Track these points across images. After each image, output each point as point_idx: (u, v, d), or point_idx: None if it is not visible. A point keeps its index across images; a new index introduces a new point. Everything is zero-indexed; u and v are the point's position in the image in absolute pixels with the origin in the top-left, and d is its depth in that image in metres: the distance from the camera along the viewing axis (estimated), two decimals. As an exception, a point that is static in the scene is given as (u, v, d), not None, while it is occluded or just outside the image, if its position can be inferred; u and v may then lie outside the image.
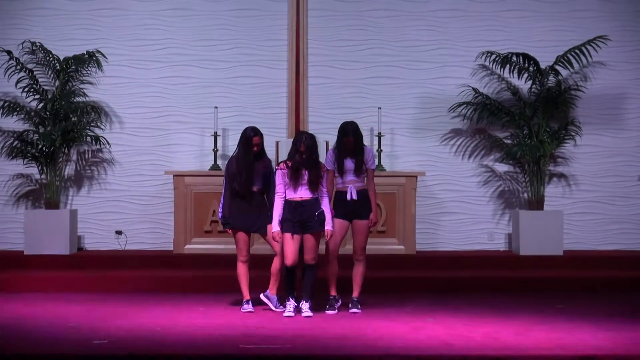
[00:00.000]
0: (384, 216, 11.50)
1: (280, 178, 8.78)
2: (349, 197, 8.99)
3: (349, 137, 9.04)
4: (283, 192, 8.76)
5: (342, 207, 9.01)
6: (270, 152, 11.60)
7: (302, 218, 8.70)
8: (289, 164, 8.77)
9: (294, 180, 8.70)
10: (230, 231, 9.10)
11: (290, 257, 8.69)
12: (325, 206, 8.79)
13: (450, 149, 12.47)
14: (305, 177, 8.70)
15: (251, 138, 9.05)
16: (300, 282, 8.92)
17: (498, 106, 12.14)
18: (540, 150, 11.77)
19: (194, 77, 12.41)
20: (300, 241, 8.75)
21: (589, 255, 11.84)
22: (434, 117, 12.44)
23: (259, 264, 9.67)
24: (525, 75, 12.08)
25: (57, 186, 11.82)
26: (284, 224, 8.73)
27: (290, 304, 8.77)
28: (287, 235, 8.71)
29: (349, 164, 9.02)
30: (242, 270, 9.04)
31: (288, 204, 8.74)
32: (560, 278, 10.77)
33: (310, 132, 11.51)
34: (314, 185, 8.70)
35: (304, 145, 8.72)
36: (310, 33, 12.37)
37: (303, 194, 8.72)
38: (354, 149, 9.04)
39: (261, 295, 9.09)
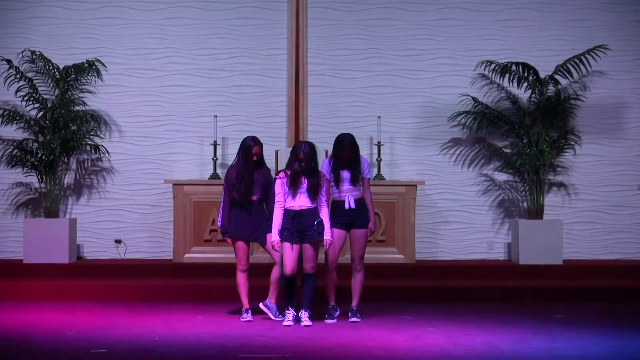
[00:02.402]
0: (383, 225, 11.49)
1: (279, 187, 8.77)
2: (347, 206, 8.98)
3: (345, 150, 9.05)
4: (282, 202, 8.75)
5: (339, 217, 8.99)
6: (269, 161, 11.63)
7: (301, 227, 8.69)
8: (288, 173, 8.77)
9: (293, 188, 8.70)
10: (229, 240, 9.10)
11: (289, 266, 8.68)
12: (324, 215, 8.78)
13: (450, 158, 12.47)
14: (305, 185, 8.70)
15: (251, 147, 9.06)
16: (300, 291, 8.91)
17: (497, 115, 12.14)
18: (540, 160, 11.78)
19: (193, 86, 12.41)
20: (300, 250, 8.74)
21: (589, 265, 11.82)
22: (434, 126, 12.44)
23: (259, 273, 9.65)
24: (525, 84, 12.09)
25: (56, 195, 11.82)
26: (283, 233, 8.73)
27: (290, 313, 8.76)
28: (286, 245, 8.71)
29: (345, 174, 9.01)
30: (241, 279, 9.03)
31: (287, 213, 8.74)
32: (560, 287, 10.76)
33: (309, 141, 11.54)
34: (313, 194, 8.69)
35: (302, 153, 8.73)
36: (309, 42, 12.37)
37: (302, 202, 8.71)
38: (350, 161, 9.05)
39: (260, 305, 9.07)
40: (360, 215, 9.03)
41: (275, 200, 8.79)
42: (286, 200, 8.74)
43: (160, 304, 10.08)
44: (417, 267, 11.47)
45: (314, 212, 8.72)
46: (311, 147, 8.84)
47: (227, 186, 9.07)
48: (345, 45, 12.48)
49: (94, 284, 10.72)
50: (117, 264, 11.65)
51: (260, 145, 9.14)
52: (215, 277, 10.87)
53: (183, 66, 12.41)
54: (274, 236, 8.75)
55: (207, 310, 9.61)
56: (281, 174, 8.83)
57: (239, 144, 9.21)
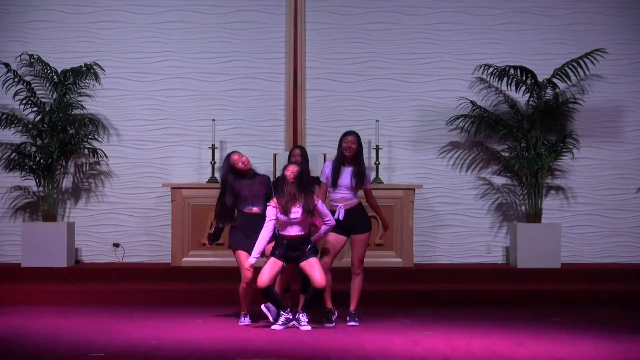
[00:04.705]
0: (381, 228, 11.47)
1: (271, 214, 8.67)
2: (336, 216, 8.93)
3: (351, 135, 9.03)
4: (272, 229, 8.67)
5: (338, 224, 8.93)
6: (267, 164, 11.64)
7: (291, 253, 8.67)
8: (279, 199, 8.70)
9: (286, 211, 8.63)
10: (208, 245, 9.15)
11: (264, 278, 8.56)
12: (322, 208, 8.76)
13: (448, 161, 12.47)
14: (299, 212, 8.63)
15: (229, 156, 9.10)
16: (285, 296, 8.92)
17: (496, 119, 12.14)
18: (538, 163, 11.78)
19: (191, 90, 12.41)
20: (284, 269, 8.72)
21: (587, 268, 11.82)
22: (432, 130, 12.44)
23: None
24: (523, 88, 12.09)
25: (54, 198, 11.81)
26: (274, 252, 8.70)
27: (282, 316, 8.71)
28: (272, 259, 8.67)
29: (345, 178, 8.96)
30: (244, 288, 8.95)
31: (278, 237, 8.70)
32: (558, 291, 10.75)
33: (307, 145, 11.59)
34: (304, 224, 8.64)
35: (290, 172, 8.68)
36: (308, 46, 12.37)
37: (294, 232, 8.66)
38: (353, 156, 9.00)
39: (262, 306, 9.03)
40: (360, 220, 9.01)
41: (265, 225, 8.69)
42: (280, 227, 8.70)
43: (158, 307, 10.08)
44: (415, 271, 11.47)
45: (305, 239, 8.69)
46: (300, 167, 8.81)
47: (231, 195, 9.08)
48: (344, 49, 12.48)
49: (91, 288, 10.72)
50: (115, 268, 11.64)
51: (239, 153, 9.14)
52: (214, 280, 10.88)
53: (181, 70, 12.41)
54: (251, 259, 8.67)
55: (205, 313, 9.60)
56: (273, 202, 8.72)
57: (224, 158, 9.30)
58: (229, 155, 9.15)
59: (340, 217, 8.94)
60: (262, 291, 8.65)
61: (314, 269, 8.62)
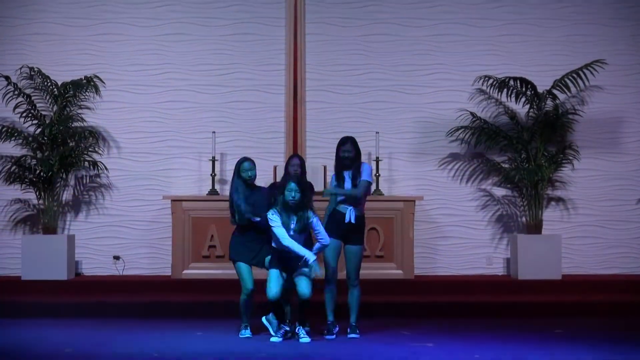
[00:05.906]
0: (382, 240, 11.47)
1: (278, 219, 8.63)
2: (347, 219, 8.93)
3: (347, 144, 9.03)
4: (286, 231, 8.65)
5: (336, 228, 8.92)
6: (267, 176, 11.63)
7: (287, 264, 8.68)
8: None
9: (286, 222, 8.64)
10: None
11: (273, 290, 8.61)
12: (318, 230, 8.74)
13: (448, 173, 12.47)
14: (296, 229, 8.62)
15: (240, 163, 9.04)
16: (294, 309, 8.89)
17: (496, 130, 12.15)
18: (538, 174, 11.78)
19: (191, 102, 12.42)
20: (288, 278, 8.72)
21: (588, 280, 11.80)
22: (432, 142, 12.44)
23: (260, 288, 9.62)
24: (523, 99, 12.10)
25: (54, 211, 11.81)
26: (272, 261, 8.70)
27: (282, 329, 8.71)
28: (274, 271, 8.67)
29: (347, 182, 8.97)
30: (245, 300, 8.93)
31: (275, 249, 8.72)
32: (559, 302, 10.74)
33: (307, 156, 11.58)
34: (300, 240, 8.65)
35: (290, 192, 8.64)
36: (307, 58, 12.38)
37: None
38: (352, 161, 9.01)
39: (263, 319, 9.03)
40: (356, 231, 8.99)
41: (281, 237, 8.56)
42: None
43: (158, 320, 10.06)
44: (415, 283, 11.46)
45: (299, 255, 8.70)
46: (302, 181, 8.81)
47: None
48: (343, 61, 12.50)
49: (92, 301, 10.70)
50: (115, 281, 11.63)
51: (252, 161, 9.11)
52: (214, 293, 10.85)
53: (181, 82, 12.42)
54: (309, 255, 8.58)
55: (205, 326, 9.58)
56: (275, 212, 8.71)
57: (236, 162, 9.23)
58: (240, 162, 9.11)
59: (352, 220, 8.92)
60: (273, 302, 8.70)
61: (301, 280, 8.65)
